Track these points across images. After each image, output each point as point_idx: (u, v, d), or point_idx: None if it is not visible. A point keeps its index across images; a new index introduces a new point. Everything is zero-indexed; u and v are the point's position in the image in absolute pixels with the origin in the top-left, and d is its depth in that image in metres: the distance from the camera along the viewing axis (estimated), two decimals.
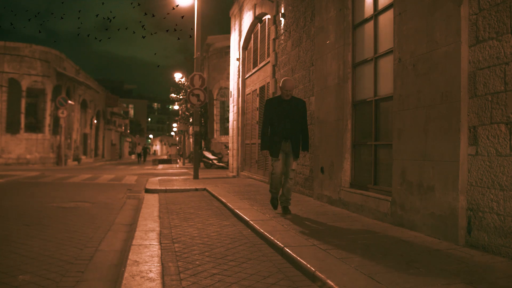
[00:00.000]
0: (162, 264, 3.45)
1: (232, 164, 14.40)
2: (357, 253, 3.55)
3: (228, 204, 6.49)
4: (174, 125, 52.11)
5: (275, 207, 5.84)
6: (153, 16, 7.21)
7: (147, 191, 8.97)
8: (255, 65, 12.31)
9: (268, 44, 10.64)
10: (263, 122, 5.75)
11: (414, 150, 4.46)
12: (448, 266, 3.17)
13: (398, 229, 4.56)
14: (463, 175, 3.80)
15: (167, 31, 7.24)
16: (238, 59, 13.88)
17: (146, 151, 39.16)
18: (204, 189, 9.12)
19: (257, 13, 11.51)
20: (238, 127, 13.70)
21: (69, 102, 24.76)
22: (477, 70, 3.68)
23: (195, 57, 13.25)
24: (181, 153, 35.79)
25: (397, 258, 3.36)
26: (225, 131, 25.62)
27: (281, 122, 5.56)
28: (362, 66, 5.99)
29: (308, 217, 5.38)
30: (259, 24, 11.93)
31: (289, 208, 5.64)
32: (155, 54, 10.57)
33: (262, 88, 11.28)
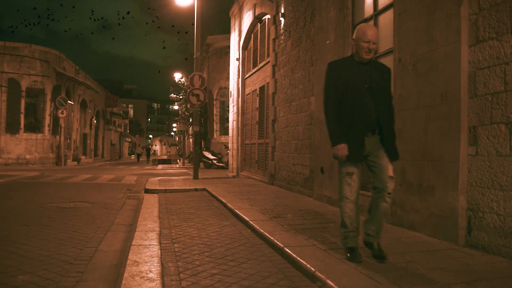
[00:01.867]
0: (162, 264, 3.44)
1: (232, 164, 14.39)
2: None
3: (228, 204, 6.48)
4: (174, 125, 52.10)
5: (356, 259, 3.24)
6: (157, 17, 7.29)
7: (147, 191, 8.97)
8: (255, 65, 12.31)
9: (268, 44, 10.64)
10: (326, 101, 3.43)
11: (414, 150, 4.46)
12: (448, 266, 3.17)
13: (398, 229, 4.56)
14: (463, 175, 3.80)
15: (178, 32, 7.29)
16: (238, 59, 13.87)
17: (149, 151, 38.94)
18: (204, 189, 9.11)
19: (257, 13, 11.51)
20: (238, 127, 13.70)
21: (69, 102, 24.75)
22: (477, 70, 3.68)
23: (194, 57, 13.25)
24: (181, 153, 35.79)
25: (397, 258, 3.36)
26: (225, 131, 25.61)
27: (361, 100, 3.34)
28: None
29: (308, 217, 5.37)
30: (259, 24, 11.93)
31: (382, 248, 3.34)
32: (113, 39, 10.44)
33: (262, 88, 11.28)
